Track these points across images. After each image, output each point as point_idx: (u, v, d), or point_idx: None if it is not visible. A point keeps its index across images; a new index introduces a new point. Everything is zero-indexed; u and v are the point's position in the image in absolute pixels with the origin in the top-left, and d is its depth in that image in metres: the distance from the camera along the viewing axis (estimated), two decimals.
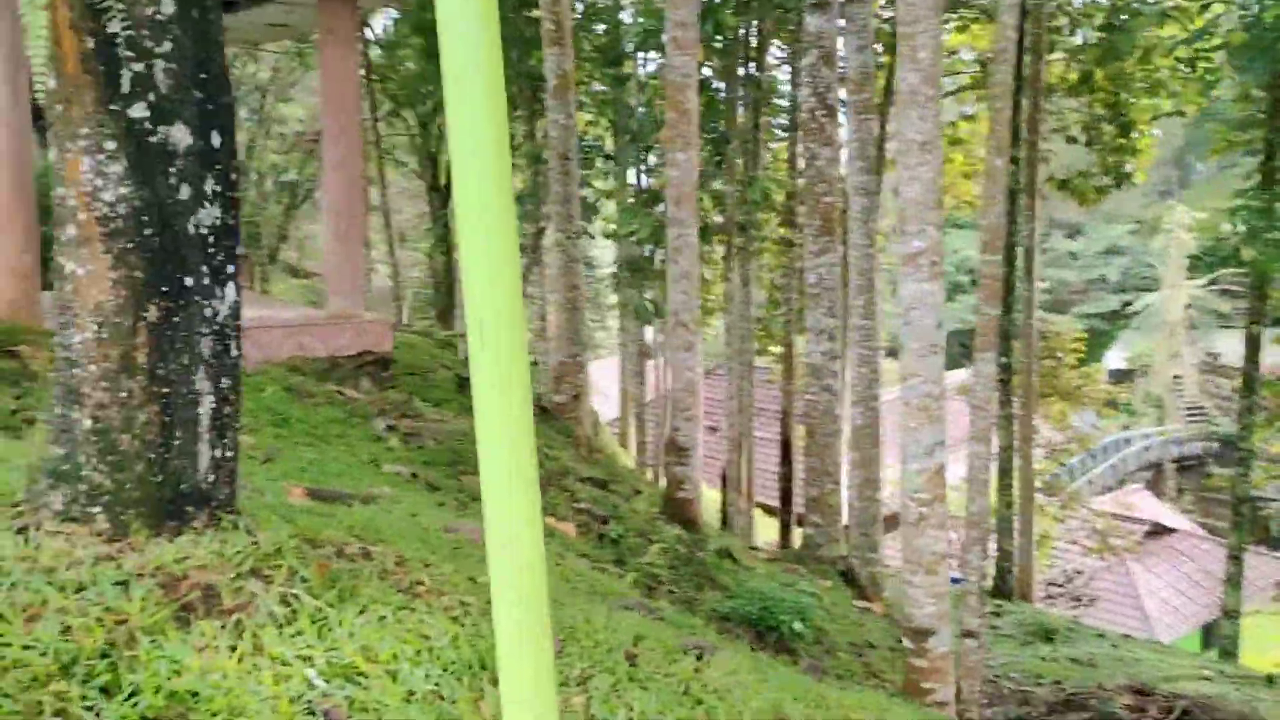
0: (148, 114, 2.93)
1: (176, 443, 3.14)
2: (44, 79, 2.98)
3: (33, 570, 2.87)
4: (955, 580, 25.71)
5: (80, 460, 3.10)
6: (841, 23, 12.32)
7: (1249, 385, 17.03)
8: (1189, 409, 43.01)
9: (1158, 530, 28.20)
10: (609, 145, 20.78)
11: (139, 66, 2.90)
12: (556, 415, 12.08)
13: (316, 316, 8.42)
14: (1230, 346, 53.02)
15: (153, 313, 3.04)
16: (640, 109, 20.12)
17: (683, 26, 9.05)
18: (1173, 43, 20.01)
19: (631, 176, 21.31)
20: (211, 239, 3.10)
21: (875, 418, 13.46)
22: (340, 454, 6.49)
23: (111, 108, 2.91)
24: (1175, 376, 42.88)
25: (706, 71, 18.80)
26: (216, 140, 3.06)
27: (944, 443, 5.48)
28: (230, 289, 3.18)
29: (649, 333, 27.24)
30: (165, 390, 3.10)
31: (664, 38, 9.72)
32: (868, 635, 10.57)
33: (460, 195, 1.68)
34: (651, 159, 20.02)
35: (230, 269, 3.18)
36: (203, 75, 3.01)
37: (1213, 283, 48.44)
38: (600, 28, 20.41)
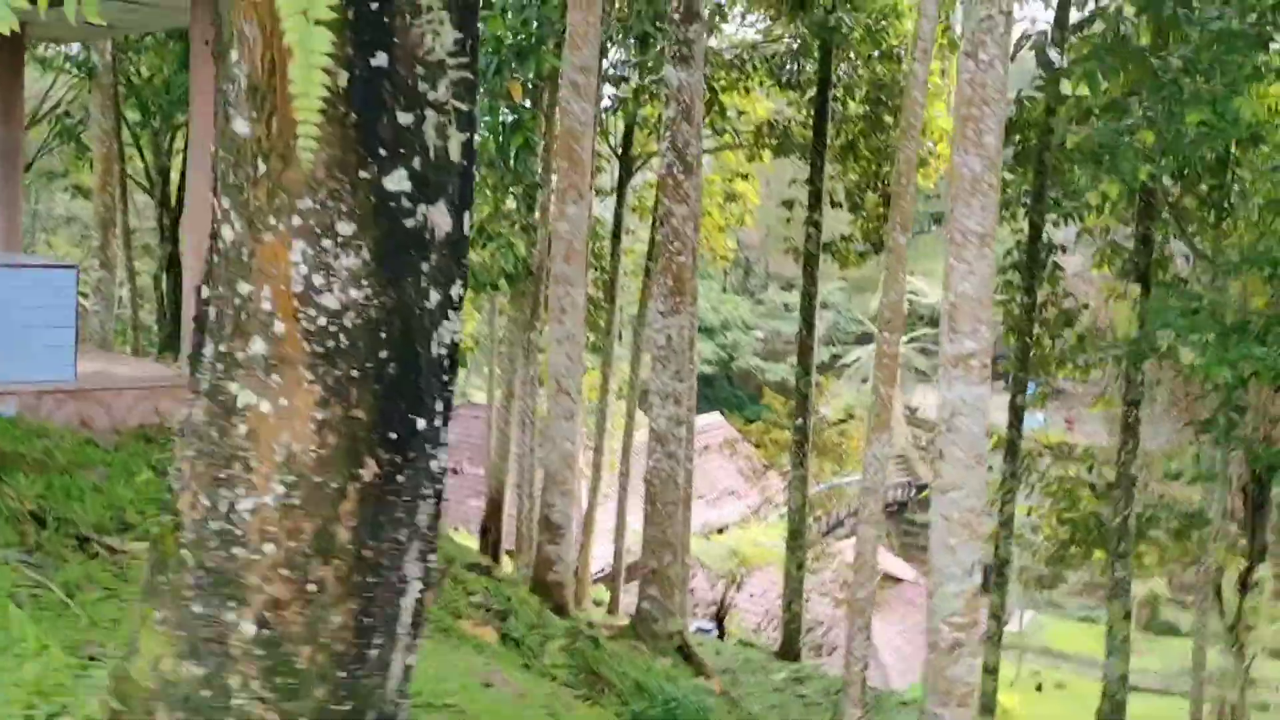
0: (409, 186, 2.01)
1: (373, 653, 2.18)
2: (239, 122, 1.99)
3: None
4: (704, 630, 25.62)
5: (232, 684, 2.09)
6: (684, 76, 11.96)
7: (1012, 453, 17.89)
8: (896, 457, 45.89)
9: (888, 580, 29.60)
10: None
11: (407, 118, 1.98)
12: None
13: (172, 376, 7.04)
14: (925, 399, 57.19)
15: (370, 469, 2.10)
16: None
17: (584, 71, 8.38)
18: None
19: None
20: (448, 362, 2.19)
21: (688, 480, 13.14)
22: None
23: (361, 174, 1.97)
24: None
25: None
26: (466, 224, 2.17)
27: (982, 560, 5.09)
28: (448, 428, 2.27)
29: None
30: (370, 580, 2.15)
31: (561, 81, 8.99)
32: None
33: None
34: None
35: (452, 403, 2.27)
36: (458, 134, 2.12)
37: (912, 340, 52.10)
38: None
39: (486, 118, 16.26)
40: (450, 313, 2.15)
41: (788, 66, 20.89)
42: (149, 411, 6.88)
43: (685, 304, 11.79)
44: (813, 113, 18.73)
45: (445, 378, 2.19)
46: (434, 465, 2.20)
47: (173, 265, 25.01)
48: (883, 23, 20.25)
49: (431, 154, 2.02)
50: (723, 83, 20.89)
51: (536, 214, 17.92)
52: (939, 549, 5.01)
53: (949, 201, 4.90)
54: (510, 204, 16.89)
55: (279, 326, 2.03)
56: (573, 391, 8.65)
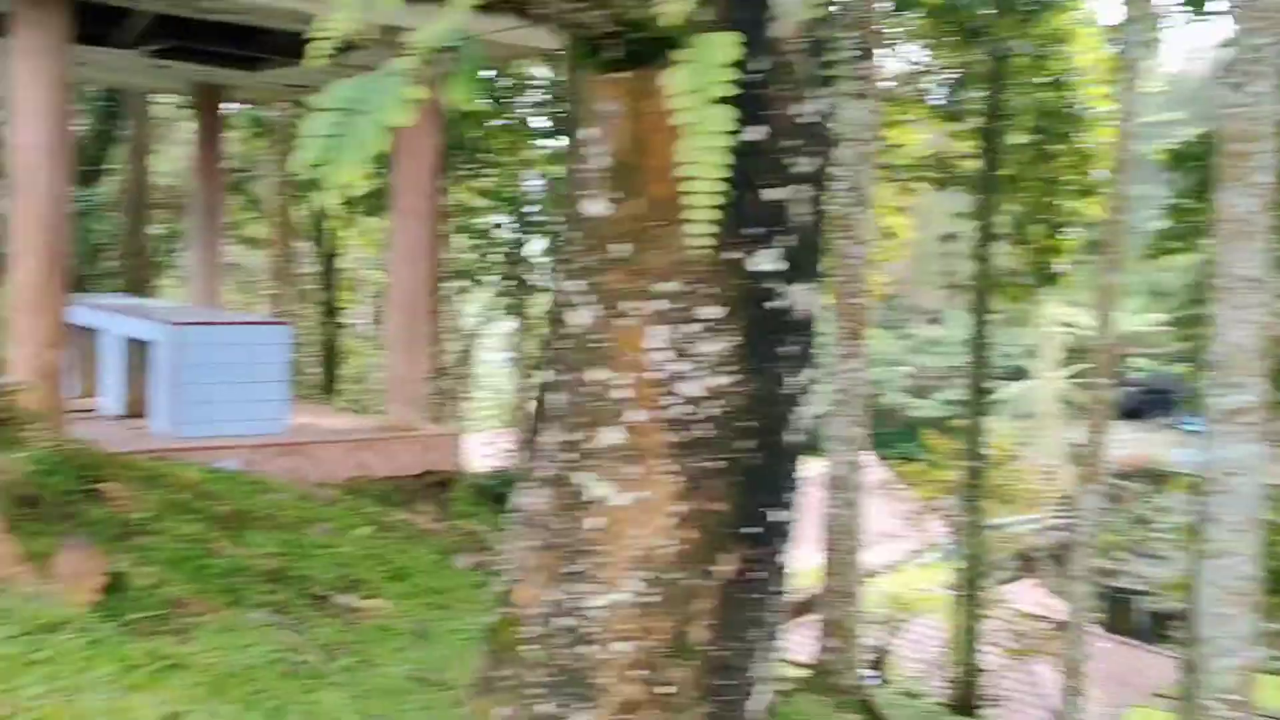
0: (777, 266, 1.89)
1: None
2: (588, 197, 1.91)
3: None
4: (865, 678, 24.84)
5: None
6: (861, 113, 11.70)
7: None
8: (1060, 498, 44.09)
9: (1059, 627, 28.32)
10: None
11: (777, 194, 1.87)
12: None
13: (374, 429, 7.18)
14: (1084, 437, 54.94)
15: (726, 565, 1.97)
16: None
17: None
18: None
19: None
20: (800, 450, 2.06)
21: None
22: (475, 618, 5.28)
23: (729, 255, 1.86)
24: (1048, 466, 43.95)
25: None
26: (820, 302, 2.03)
27: (1256, 630, 4.74)
28: (795, 518, 2.13)
29: None
30: (723, 683, 2.02)
31: None
32: None
33: None
34: None
35: (799, 491, 2.13)
36: (820, 209, 1.99)
37: (1074, 375, 50.15)
38: None
39: None
40: (803, 398, 2.02)
41: (950, 96, 20.51)
42: (355, 464, 7.00)
43: (862, 348, 11.52)
44: (978, 143, 18.25)
45: (797, 466, 2.06)
46: (780, 560, 2.07)
47: (331, 311, 25.88)
48: (1049, 49, 19.65)
49: (799, 231, 1.90)
50: (884, 117, 20.60)
51: None
52: (1209, 620, 4.65)
53: (1218, 244, 4.59)
54: None
55: (636, 415, 1.93)
56: None
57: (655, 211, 1.88)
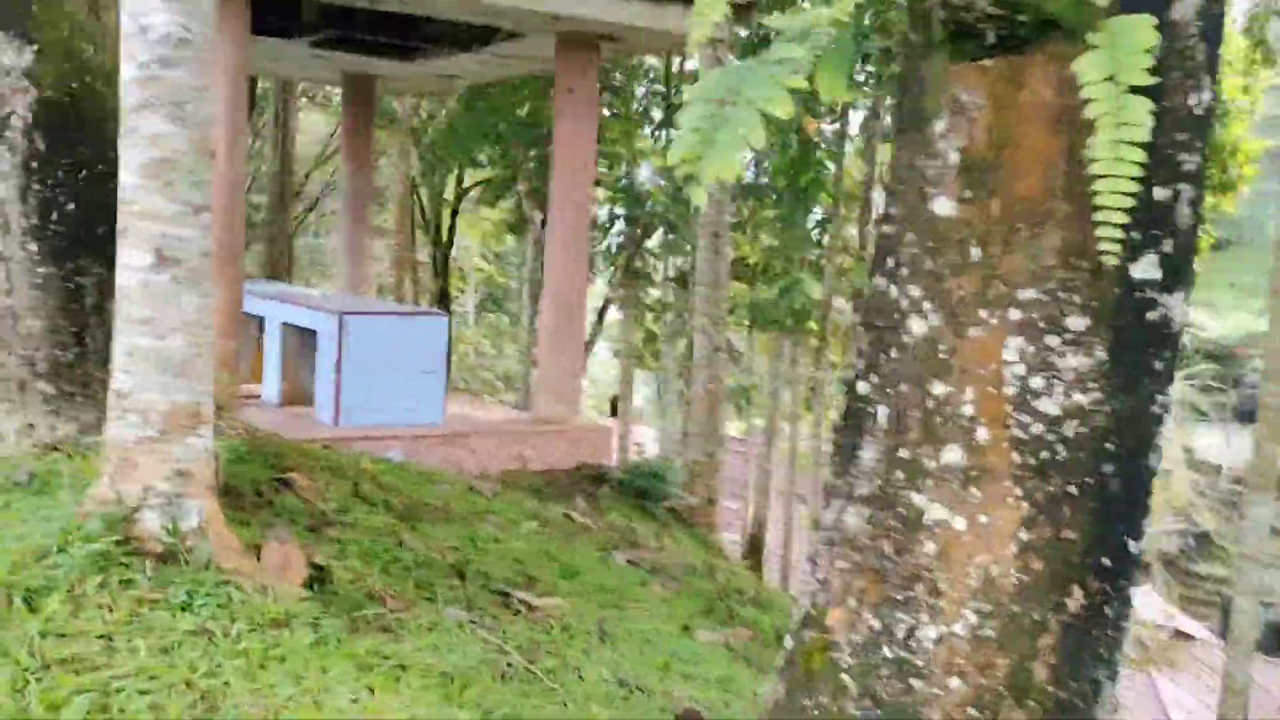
0: (1157, 274, 1.71)
1: None
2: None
3: None
4: None
5: None
6: None
7: None
8: (1177, 505, 42.66)
9: (1178, 636, 27.38)
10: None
11: (1163, 194, 1.70)
12: (687, 519, 10.81)
13: (529, 421, 7.14)
14: (1205, 442, 52.91)
15: (1076, 599, 1.81)
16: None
17: None
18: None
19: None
20: (1155, 474, 1.88)
21: None
22: (645, 618, 5.18)
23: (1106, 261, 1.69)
24: (1165, 470, 42.57)
25: None
26: (1189, 312, 1.85)
27: None
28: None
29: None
30: None
31: None
32: None
33: None
34: None
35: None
36: (1199, 211, 1.81)
37: (1190, 378, 48.33)
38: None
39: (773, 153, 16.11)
40: (1165, 416, 1.84)
41: None
42: (510, 456, 6.96)
43: None
44: None
45: (1151, 491, 1.88)
46: (1130, 593, 1.89)
47: (443, 298, 26.16)
48: None
49: (1179, 235, 1.72)
50: None
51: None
52: None
53: None
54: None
55: (982, 433, 1.78)
56: None
57: (1018, 211, 1.72)
